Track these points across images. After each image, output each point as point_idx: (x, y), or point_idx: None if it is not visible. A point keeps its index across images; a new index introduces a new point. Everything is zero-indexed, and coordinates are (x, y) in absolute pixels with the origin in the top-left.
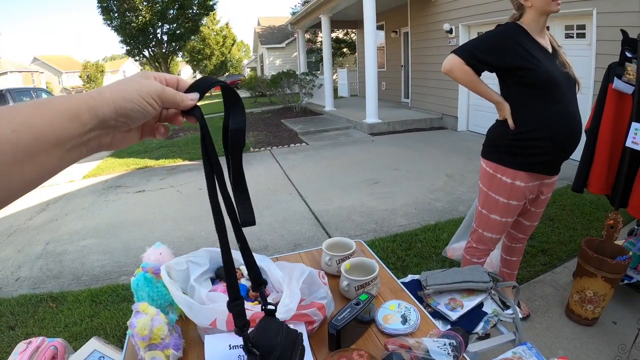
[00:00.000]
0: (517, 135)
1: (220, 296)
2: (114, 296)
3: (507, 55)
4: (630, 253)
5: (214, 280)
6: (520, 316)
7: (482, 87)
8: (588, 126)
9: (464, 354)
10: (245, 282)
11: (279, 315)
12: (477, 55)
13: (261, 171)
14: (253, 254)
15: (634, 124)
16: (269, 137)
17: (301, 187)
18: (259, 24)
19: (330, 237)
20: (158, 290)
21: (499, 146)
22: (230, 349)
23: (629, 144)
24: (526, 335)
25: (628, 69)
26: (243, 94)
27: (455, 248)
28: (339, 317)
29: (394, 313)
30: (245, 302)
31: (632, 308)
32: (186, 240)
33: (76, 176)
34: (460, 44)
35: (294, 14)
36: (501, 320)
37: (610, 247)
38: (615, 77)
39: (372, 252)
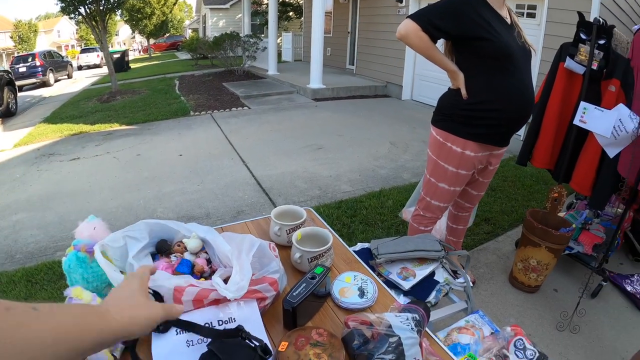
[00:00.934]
0: (469, 105)
1: (162, 274)
2: (51, 274)
3: (466, 24)
4: (573, 225)
5: (154, 256)
6: (471, 284)
7: (437, 55)
8: (536, 102)
9: (426, 328)
10: (189, 256)
11: (230, 294)
12: (434, 22)
13: (202, 135)
14: (198, 225)
15: (582, 103)
16: (210, 100)
17: (243, 152)
18: None
19: (274, 204)
20: (93, 271)
21: (451, 115)
22: (177, 334)
23: (576, 122)
24: None
25: (581, 50)
26: (184, 55)
27: (411, 211)
28: (294, 293)
29: (351, 286)
30: (191, 277)
31: (572, 277)
32: (124, 210)
33: (6, 145)
34: (408, 14)
35: None
36: (452, 289)
37: (554, 219)
38: (567, 57)
39: (323, 220)
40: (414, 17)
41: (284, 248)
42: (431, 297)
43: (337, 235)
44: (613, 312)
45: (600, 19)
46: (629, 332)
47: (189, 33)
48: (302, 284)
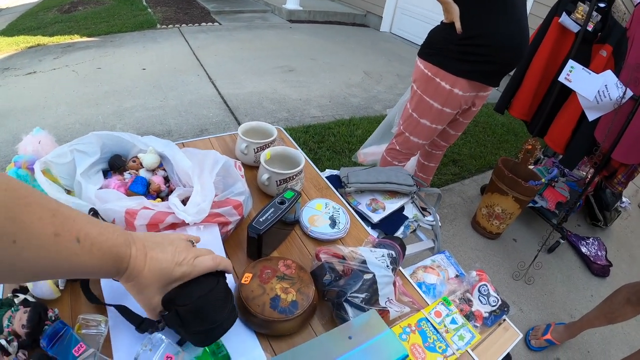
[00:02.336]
0: (463, 41)
1: (113, 194)
2: None
3: None
4: (543, 180)
5: (106, 173)
6: (440, 224)
7: None
8: None
9: (400, 267)
10: (144, 173)
11: (189, 217)
12: None
13: (167, 49)
14: (156, 138)
15: (570, 61)
16: (178, 14)
17: (210, 69)
18: None
19: (238, 123)
20: None
21: (442, 49)
22: None
23: (561, 79)
24: None
25: (579, 9)
26: None
27: (367, 153)
28: (260, 219)
29: (321, 214)
30: (144, 198)
31: (532, 230)
32: (81, 127)
33: None
34: None
35: None
36: (420, 226)
37: (524, 170)
38: (564, 12)
39: (293, 142)
40: None
41: (251, 168)
42: (399, 232)
43: (308, 159)
44: (566, 270)
45: None
46: (579, 291)
47: None
48: (270, 209)
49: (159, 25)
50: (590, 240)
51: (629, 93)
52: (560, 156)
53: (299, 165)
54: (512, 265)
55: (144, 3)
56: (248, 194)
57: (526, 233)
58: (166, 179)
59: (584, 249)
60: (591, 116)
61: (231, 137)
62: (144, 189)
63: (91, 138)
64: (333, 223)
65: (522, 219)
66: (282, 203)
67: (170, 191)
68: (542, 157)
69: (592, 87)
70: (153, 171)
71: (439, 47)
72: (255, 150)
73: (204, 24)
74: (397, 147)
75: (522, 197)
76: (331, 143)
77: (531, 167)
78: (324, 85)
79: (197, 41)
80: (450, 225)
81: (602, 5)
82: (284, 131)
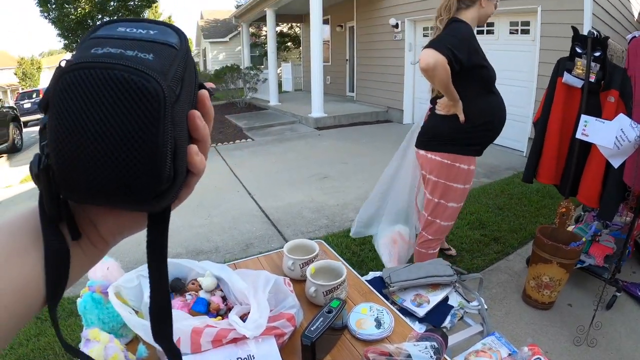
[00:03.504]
0: (472, 128)
1: (179, 314)
2: (60, 311)
3: (474, 55)
4: (584, 239)
5: (170, 294)
6: (486, 307)
7: (452, 85)
8: (537, 118)
9: (445, 355)
10: (204, 294)
11: (249, 332)
12: (456, 54)
13: (207, 169)
14: (211, 262)
15: (583, 117)
16: (213, 133)
17: (249, 184)
18: (202, 17)
19: (282, 235)
20: (109, 312)
21: (454, 139)
22: None
23: (578, 135)
24: None
25: (578, 64)
26: None
27: (392, 267)
28: (312, 328)
29: (367, 317)
30: (207, 317)
31: (585, 290)
32: (132, 246)
33: (13, 180)
34: (404, 39)
35: (238, 6)
36: (467, 312)
37: (563, 234)
38: (565, 72)
39: (335, 253)
40: (438, 48)
41: (298, 282)
42: (446, 322)
43: (350, 267)
44: (630, 322)
45: (594, 31)
46: None
47: None
48: (320, 318)
49: None
50: None
51: None
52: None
53: (342, 276)
54: (571, 332)
55: None
56: (299, 306)
57: (581, 295)
58: (224, 299)
59: None
60: (616, 163)
61: (278, 254)
62: (205, 309)
63: None
64: (378, 324)
65: (573, 282)
66: (329, 312)
67: (229, 309)
68: (583, 213)
69: (609, 134)
70: (211, 292)
71: (449, 137)
72: (301, 265)
73: (237, 141)
74: (430, 237)
75: (567, 261)
76: (372, 244)
77: (571, 227)
78: (359, 187)
79: (233, 158)
80: (501, 304)
81: (597, 54)
82: (325, 244)
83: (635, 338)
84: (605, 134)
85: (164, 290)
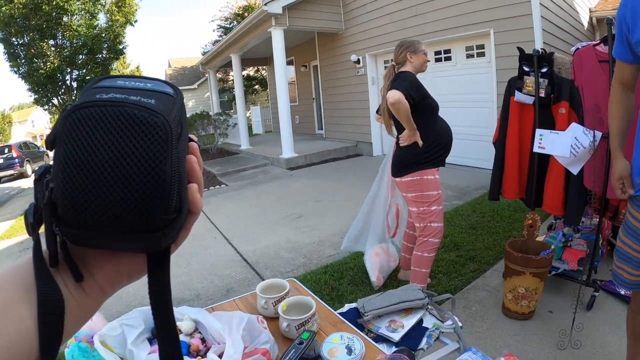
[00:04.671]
0: (427, 148)
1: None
2: None
3: (422, 90)
4: (553, 247)
5: (151, 341)
6: (460, 325)
7: (411, 117)
8: (495, 138)
9: None
10: (184, 337)
11: None
12: (409, 92)
13: None
14: (189, 307)
15: (538, 130)
16: None
17: (225, 230)
18: (169, 66)
19: (261, 278)
20: (95, 359)
21: (416, 161)
22: None
23: (535, 149)
24: (470, 340)
25: (527, 82)
26: None
27: (377, 274)
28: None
29: (338, 345)
30: (188, 358)
31: (564, 295)
32: (113, 299)
33: None
34: (367, 73)
35: (204, 53)
36: (443, 332)
37: (533, 245)
38: (516, 90)
39: (306, 288)
40: (398, 88)
41: (273, 319)
42: (423, 344)
43: (320, 301)
44: (612, 319)
45: (540, 50)
46: None
47: None
48: (292, 350)
49: None
50: None
51: (599, 134)
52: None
53: (311, 309)
54: (555, 337)
55: None
56: (273, 341)
57: (560, 301)
58: (202, 340)
59: (622, 291)
60: (575, 170)
61: (252, 295)
62: (186, 351)
63: (134, 313)
64: (349, 351)
65: (551, 289)
66: (300, 343)
67: (207, 349)
68: (554, 221)
69: (565, 144)
70: (191, 335)
71: (413, 161)
72: (274, 303)
73: (212, 187)
74: (429, 239)
75: (539, 270)
76: (350, 277)
77: (542, 237)
78: (333, 223)
79: (208, 205)
80: (482, 321)
81: (544, 70)
82: (297, 281)
83: (620, 333)
84: (561, 144)
85: (174, 338)
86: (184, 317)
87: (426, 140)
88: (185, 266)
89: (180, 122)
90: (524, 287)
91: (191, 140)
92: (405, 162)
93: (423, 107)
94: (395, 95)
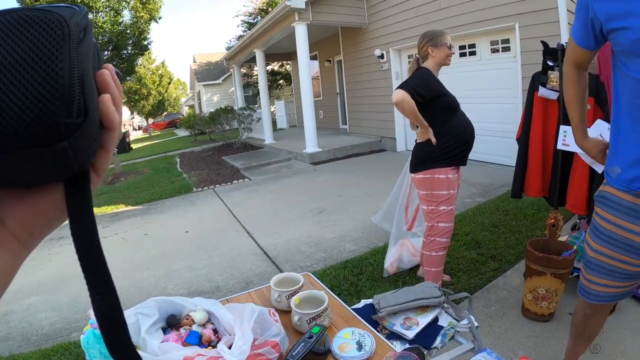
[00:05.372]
0: (441, 146)
1: (173, 346)
2: (67, 355)
3: (434, 87)
4: (575, 247)
5: (165, 330)
6: (476, 324)
7: (419, 115)
8: (519, 135)
9: None
10: (197, 328)
11: (234, 358)
12: (417, 89)
13: (206, 211)
14: (202, 298)
15: (562, 127)
16: (211, 175)
17: (247, 224)
18: (194, 61)
19: (281, 271)
20: None
21: (428, 159)
22: None
23: (559, 146)
24: (487, 340)
25: (551, 77)
26: (182, 132)
27: (393, 262)
28: (293, 353)
29: (349, 341)
30: (198, 347)
31: None
32: (135, 290)
33: None
34: (391, 68)
35: (229, 49)
36: (458, 332)
37: (555, 245)
38: (540, 86)
39: (321, 283)
40: (403, 87)
41: (286, 313)
42: (437, 343)
43: (334, 295)
44: (634, 323)
45: (564, 44)
46: None
47: (185, 110)
48: (301, 344)
49: (195, 189)
50: None
51: None
52: None
53: (323, 304)
54: None
55: (179, 169)
56: (284, 334)
57: None
58: (215, 331)
59: None
60: (599, 168)
61: (267, 288)
62: (198, 340)
63: (149, 303)
64: (360, 347)
65: (572, 291)
66: (310, 337)
67: (219, 340)
68: (579, 220)
69: None
70: (204, 325)
71: (426, 158)
72: (287, 297)
73: (235, 181)
74: (434, 238)
75: (560, 271)
76: (370, 273)
77: (565, 236)
78: (355, 219)
79: (231, 199)
80: (501, 321)
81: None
82: (312, 275)
83: None
84: None
85: (106, 289)
86: (197, 307)
87: (440, 139)
88: (206, 259)
89: (84, 30)
90: (544, 287)
91: (118, 75)
92: (419, 158)
93: (437, 105)
94: (397, 95)
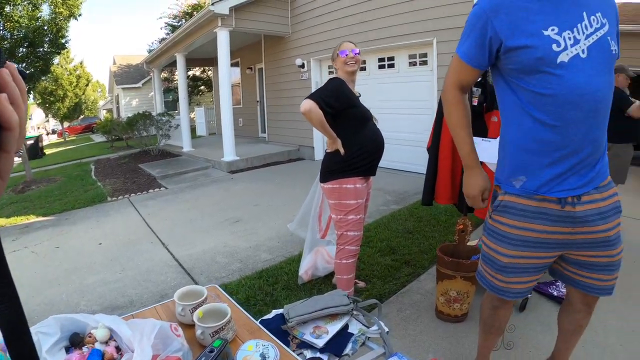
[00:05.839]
0: (349, 157)
1: None
2: None
3: (345, 98)
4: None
5: (68, 349)
6: (386, 329)
7: (327, 125)
8: (429, 145)
9: None
10: (99, 345)
11: None
12: (326, 100)
13: (120, 221)
14: (104, 315)
15: None
16: (126, 183)
17: (162, 234)
18: (114, 63)
19: (196, 283)
20: None
21: (337, 169)
22: None
23: None
24: (402, 343)
25: None
26: (99, 138)
27: (307, 270)
28: None
29: (252, 353)
30: None
31: None
32: (47, 307)
33: None
34: (311, 78)
35: (150, 52)
36: (369, 338)
37: (465, 249)
38: None
39: (227, 295)
40: (311, 97)
41: (191, 327)
42: (348, 350)
43: (240, 307)
44: (544, 319)
45: None
46: None
47: (103, 114)
48: (202, 358)
49: (109, 198)
50: (558, 282)
51: None
52: None
53: (226, 316)
54: None
55: (94, 177)
56: (186, 349)
57: None
58: (118, 348)
59: (555, 292)
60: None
61: (172, 302)
62: (100, 359)
63: (50, 321)
64: (263, 358)
65: (483, 292)
66: (211, 351)
67: (122, 357)
68: None
69: (494, 151)
70: (106, 342)
71: (333, 169)
72: (190, 310)
73: (151, 190)
74: (343, 247)
75: (470, 274)
76: (285, 282)
77: (474, 242)
78: (271, 227)
79: (146, 208)
80: (415, 324)
81: (478, 79)
82: (218, 287)
83: (552, 333)
84: (491, 151)
85: (10, 297)
86: (99, 324)
87: (349, 149)
88: (120, 272)
89: None
90: (455, 290)
91: (22, 74)
92: (328, 168)
93: (347, 115)
94: (305, 105)
